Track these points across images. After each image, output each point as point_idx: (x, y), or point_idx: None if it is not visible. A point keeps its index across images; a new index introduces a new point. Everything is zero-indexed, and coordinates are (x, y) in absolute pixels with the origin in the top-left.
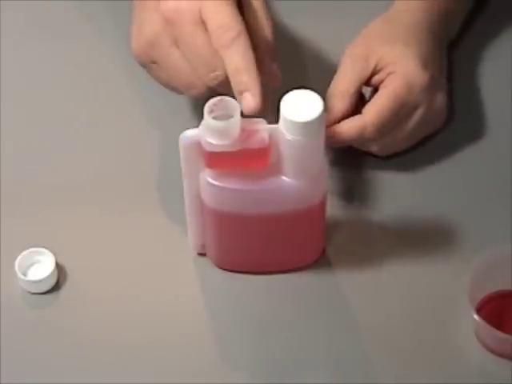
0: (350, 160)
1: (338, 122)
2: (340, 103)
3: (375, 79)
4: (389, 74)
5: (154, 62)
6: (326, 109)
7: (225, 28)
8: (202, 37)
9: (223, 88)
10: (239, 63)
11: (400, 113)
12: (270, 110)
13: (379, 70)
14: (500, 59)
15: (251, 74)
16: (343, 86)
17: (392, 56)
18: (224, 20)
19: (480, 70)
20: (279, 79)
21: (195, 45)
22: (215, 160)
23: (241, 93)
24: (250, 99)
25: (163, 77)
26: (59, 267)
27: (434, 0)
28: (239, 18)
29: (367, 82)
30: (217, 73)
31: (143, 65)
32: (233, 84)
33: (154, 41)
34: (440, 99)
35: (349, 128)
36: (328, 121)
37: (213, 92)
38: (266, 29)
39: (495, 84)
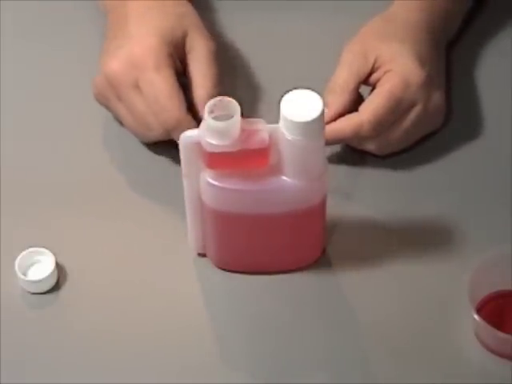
0: (349, 160)
1: (336, 118)
2: (339, 99)
3: (373, 77)
4: (385, 73)
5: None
6: (325, 104)
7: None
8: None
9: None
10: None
11: (396, 111)
12: None
13: (377, 68)
14: (499, 59)
15: None
16: (343, 81)
17: (389, 54)
18: (160, 102)
19: (479, 70)
20: None
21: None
22: (215, 160)
23: None
24: None
25: (123, 114)
26: (59, 267)
27: (433, 0)
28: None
29: (365, 80)
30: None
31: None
32: None
33: (113, 79)
34: (437, 98)
35: (345, 126)
36: (325, 116)
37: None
38: (205, 86)
39: (494, 83)
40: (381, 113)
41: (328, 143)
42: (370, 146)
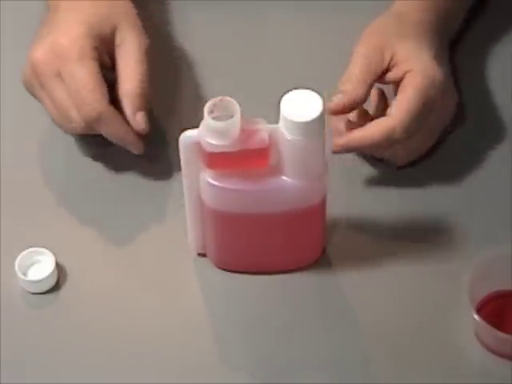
0: (349, 160)
1: (349, 110)
2: (356, 88)
3: (390, 76)
4: (406, 73)
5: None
6: (341, 92)
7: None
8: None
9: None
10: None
11: (425, 111)
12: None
13: (393, 66)
14: (502, 58)
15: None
16: (359, 72)
17: (405, 53)
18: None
19: (481, 69)
20: (141, 129)
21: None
22: (215, 160)
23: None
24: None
25: (47, 104)
26: (59, 267)
27: (434, 0)
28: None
29: (381, 78)
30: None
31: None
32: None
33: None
34: (455, 96)
35: (375, 131)
36: (338, 105)
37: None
38: (132, 80)
39: (497, 84)
40: (412, 113)
41: (357, 150)
42: (398, 152)
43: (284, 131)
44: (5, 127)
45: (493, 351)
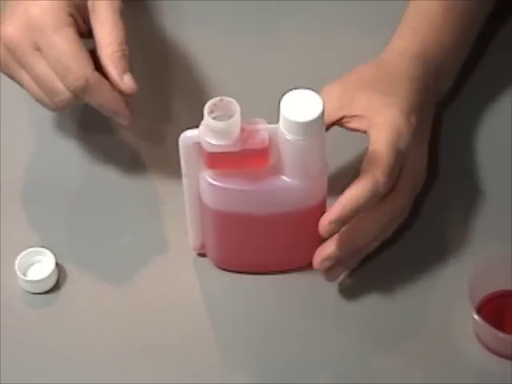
0: (349, 160)
1: None
2: None
3: (353, 123)
4: (373, 125)
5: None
6: None
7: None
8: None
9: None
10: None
11: (399, 161)
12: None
13: (356, 116)
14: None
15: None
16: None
17: (373, 106)
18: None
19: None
20: (131, 89)
21: (53, 54)
22: (215, 160)
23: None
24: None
25: (26, 82)
26: (59, 267)
27: (427, 46)
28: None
29: (340, 120)
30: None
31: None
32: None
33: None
34: (423, 157)
35: (361, 190)
36: None
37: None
38: (112, 44)
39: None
40: (390, 162)
41: (347, 220)
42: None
43: (284, 131)
44: (5, 127)
45: (493, 351)
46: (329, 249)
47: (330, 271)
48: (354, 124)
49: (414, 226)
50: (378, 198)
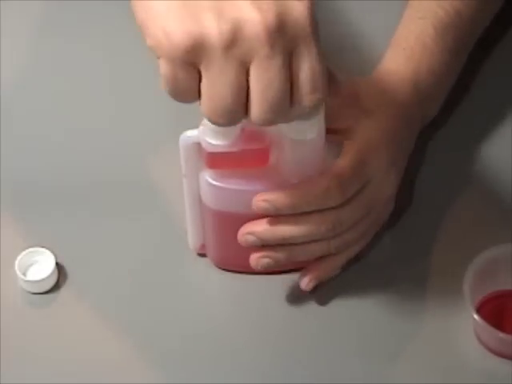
0: None
1: None
2: None
3: (336, 136)
4: (347, 141)
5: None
6: None
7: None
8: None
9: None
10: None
11: (359, 179)
12: None
13: (340, 129)
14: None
15: None
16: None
17: (353, 122)
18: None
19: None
20: None
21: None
22: (215, 160)
23: None
24: None
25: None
26: (59, 267)
27: (420, 70)
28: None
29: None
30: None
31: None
32: None
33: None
34: (391, 183)
35: (308, 191)
36: None
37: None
38: None
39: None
40: (351, 179)
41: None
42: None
43: (284, 131)
44: (5, 127)
45: (493, 351)
46: (256, 226)
47: (255, 258)
48: (336, 137)
49: (413, 226)
50: (321, 205)
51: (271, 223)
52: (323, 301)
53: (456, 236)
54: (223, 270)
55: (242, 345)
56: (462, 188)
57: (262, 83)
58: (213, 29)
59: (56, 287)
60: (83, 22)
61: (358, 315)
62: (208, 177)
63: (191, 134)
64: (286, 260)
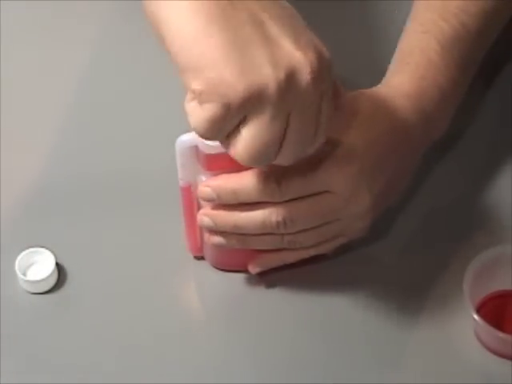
0: None
1: None
2: None
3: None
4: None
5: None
6: None
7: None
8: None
9: None
10: None
11: (312, 183)
12: None
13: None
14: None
15: None
16: None
17: (340, 136)
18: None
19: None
20: None
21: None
22: (213, 162)
23: None
24: None
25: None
26: (59, 267)
27: (426, 86)
28: None
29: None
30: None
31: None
32: None
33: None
34: (364, 195)
35: (253, 182)
36: None
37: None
38: None
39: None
40: (293, 172)
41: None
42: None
43: None
44: (5, 127)
45: (493, 351)
46: (212, 211)
47: (207, 235)
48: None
49: (412, 226)
50: (259, 197)
51: (227, 209)
52: (323, 302)
53: (456, 236)
54: (221, 270)
55: (240, 345)
56: (462, 188)
57: (300, 128)
58: (271, 78)
59: (56, 287)
60: (83, 23)
61: (357, 315)
62: (205, 179)
63: (187, 137)
64: (239, 245)
